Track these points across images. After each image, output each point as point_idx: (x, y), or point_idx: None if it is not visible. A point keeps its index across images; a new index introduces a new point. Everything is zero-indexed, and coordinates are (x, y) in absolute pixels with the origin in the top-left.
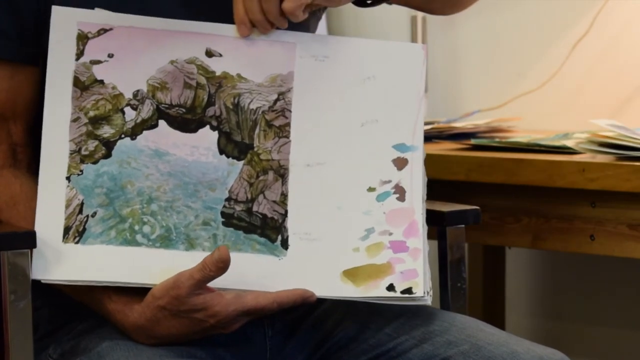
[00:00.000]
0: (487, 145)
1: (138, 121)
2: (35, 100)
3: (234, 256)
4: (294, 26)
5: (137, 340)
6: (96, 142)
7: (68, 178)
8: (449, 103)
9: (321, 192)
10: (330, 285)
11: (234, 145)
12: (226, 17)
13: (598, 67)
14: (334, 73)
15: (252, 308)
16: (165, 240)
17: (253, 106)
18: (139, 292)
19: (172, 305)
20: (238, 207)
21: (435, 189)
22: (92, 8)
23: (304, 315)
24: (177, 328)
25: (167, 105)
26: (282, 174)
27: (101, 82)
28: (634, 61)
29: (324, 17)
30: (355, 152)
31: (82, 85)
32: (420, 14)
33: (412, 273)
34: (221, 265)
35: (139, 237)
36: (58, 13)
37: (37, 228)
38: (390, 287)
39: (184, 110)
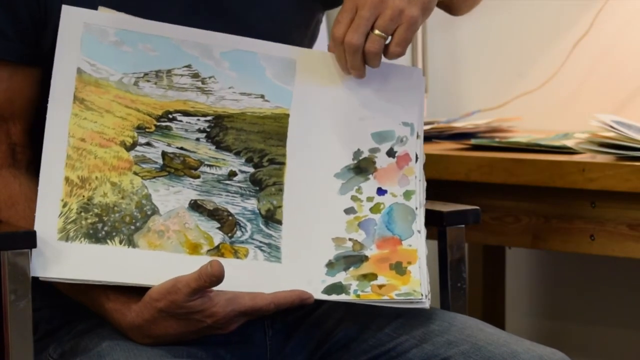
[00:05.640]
0: (487, 145)
1: None
2: (34, 100)
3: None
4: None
5: (134, 340)
6: None
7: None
8: (449, 103)
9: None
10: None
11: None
12: (225, 25)
13: (598, 67)
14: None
15: (250, 309)
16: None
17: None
18: (137, 292)
19: (170, 309)
20: None
21: (435, 189)
22: (96, 8)
23: (304, 315)
24: (174, 328)
25: None
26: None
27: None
28: (634, 61)
29: (324, 18)
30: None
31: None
32: None
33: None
34: (214, 280)
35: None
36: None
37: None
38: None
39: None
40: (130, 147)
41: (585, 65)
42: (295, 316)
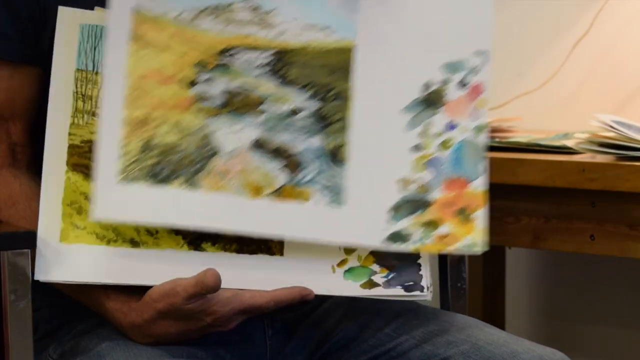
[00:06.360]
0: (487, 145)
1: None
2: (34, 100)
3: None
4: None
5: (134, 339)
6: None
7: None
8: None
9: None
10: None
11: None
12: None
13: (598, 67)
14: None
15: (249, 307)
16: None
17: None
18: (137, 291)
19: (169, 311)
20: None
21: None
22: (92, 8)
23: (304, 315)
24: (174, 327)
25: None
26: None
27: None
28: (634, 61)
29: None
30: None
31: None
32: None
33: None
34: (209, 290)
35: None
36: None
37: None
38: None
39: None
40: (190, 85)
41: (585, 65)
42: (296, 315)
